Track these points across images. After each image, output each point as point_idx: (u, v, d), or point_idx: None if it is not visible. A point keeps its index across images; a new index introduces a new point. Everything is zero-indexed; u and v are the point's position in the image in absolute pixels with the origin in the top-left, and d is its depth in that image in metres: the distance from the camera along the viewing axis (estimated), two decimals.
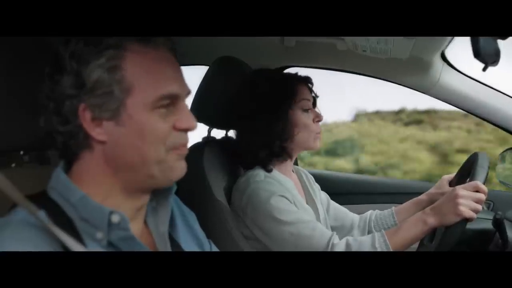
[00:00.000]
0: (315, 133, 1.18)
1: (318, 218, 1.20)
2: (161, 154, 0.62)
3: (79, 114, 0.59)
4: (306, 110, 1.18)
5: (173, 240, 0.74)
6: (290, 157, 1.20)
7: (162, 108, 0.61)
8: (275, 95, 1.15)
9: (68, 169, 0.65)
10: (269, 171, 1.15)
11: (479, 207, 0.95)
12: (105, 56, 0.59)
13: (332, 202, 1.36)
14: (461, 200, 0.94)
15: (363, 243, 1.01)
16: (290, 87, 1.17)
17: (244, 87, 1.19)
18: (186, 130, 0.65)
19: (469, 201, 0.94)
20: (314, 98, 1.26)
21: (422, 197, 1.24)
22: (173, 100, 0.63)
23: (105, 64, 0.59)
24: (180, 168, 0.65)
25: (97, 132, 0.60)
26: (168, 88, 0.62)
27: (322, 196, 1.34)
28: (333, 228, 1.29)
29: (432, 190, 1.23)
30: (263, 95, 1.15)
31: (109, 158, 0.62)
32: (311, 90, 1.24)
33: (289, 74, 1.26)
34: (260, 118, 1.14)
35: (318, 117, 1.19)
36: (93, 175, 0.63)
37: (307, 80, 1.23)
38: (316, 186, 1.35)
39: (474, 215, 0.94)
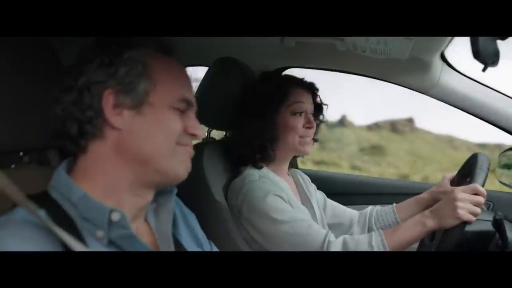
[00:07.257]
0: (303, 138, 1.18)
1: (314, 218, 1.21)
2: (171, 148, 0.66)
3: (103, 99, 0.63)
4: (297, 114, 1.17)
5: (175, 240, 0.74)
6: (279, 159, 1.20)
7: (178, 111, 0.67)
8: (263, 96, 1.16)
9: (70, 167, 0.66)
10: (259, 168, 1.17)
11: (478, 210, 0.95)
12: (136, 50, 0.65)
13: (329, 200, 1.36)
14: (459, 204, 0.94)
15: (360, 241, 1.01)
16: (282, 89, 1.17)
17: (242, 88, 1.21)
18: (194, 136, 0.70)
19: (467, 204, 0.95)
20: (319, 106, 1.26)
21: (424, 195, 1.24)
22: (187, 107, 0.69)
23: (137, 57, 0.65)
24: (186, 165, 0.69)
25: (115, 119, 0.63)
26: (187, 94, 0.69)
27: (318, 196, 1.34)
28: (332, 226, 1.29)
29: (434, 188, 1.23)
30: (254, 95, 1.18)
31: (122, 147, 0.64)
32: (313, 96, 1.24)
33: (286, 77, 1.26)
34: (246, 116, 1.17)
35: (309, 123, 1.18)
36: (102, 167, 0.64)
37: (309, 87, 1.23)
38: (312, 186, 1.35)
39: (472, 218, 0.94)
